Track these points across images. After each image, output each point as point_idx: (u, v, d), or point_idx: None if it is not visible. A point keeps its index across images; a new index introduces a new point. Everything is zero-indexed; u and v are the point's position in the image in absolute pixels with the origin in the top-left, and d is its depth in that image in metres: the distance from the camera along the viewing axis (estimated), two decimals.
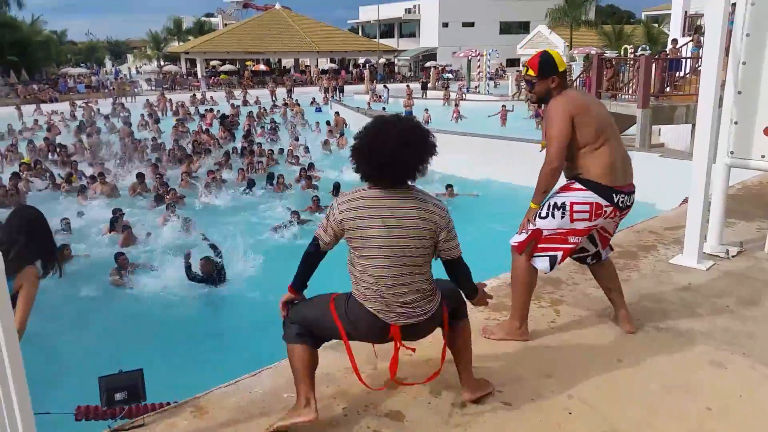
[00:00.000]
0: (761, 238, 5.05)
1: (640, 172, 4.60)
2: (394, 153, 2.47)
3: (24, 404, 1.82)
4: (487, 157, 14.87)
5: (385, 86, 35.06)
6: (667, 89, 14.30)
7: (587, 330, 3.60)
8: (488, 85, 35.81)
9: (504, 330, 3.43)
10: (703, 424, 2.72)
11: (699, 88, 4.62)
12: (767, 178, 7.35)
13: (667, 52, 16.33)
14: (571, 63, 32.49)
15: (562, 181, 3.33)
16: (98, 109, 27.78)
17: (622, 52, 33.00)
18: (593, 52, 31.92)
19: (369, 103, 28.65)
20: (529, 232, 3.26)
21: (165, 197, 11.81)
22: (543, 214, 3.23)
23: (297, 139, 18.85)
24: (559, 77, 3.23)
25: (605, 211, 3.19)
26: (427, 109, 24.31)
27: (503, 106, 22.59)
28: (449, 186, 12.88)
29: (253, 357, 3.51)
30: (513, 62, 48.13)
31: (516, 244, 3.33)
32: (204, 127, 21.77)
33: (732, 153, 4.70)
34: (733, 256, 4.77)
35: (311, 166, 15.65)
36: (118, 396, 2.85)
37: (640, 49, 31.95)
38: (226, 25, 58.17)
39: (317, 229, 2.72)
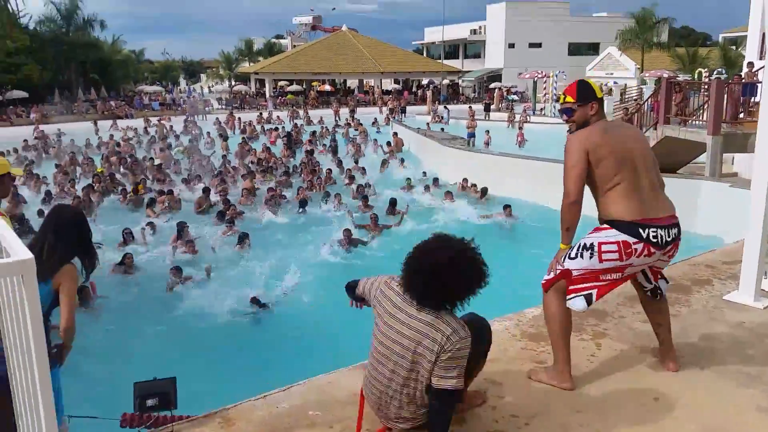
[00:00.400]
0: None
1: (709, 203, 4.45)
2: (428, 287, 2.51)
3: (48, 408, 1.91)
4: (549, 182, 14.60)
5: (445, 107, 35.09)
6: (741, 115, 13.64)
7: (627, 365, 3.47)
8: (554, 107, 35.20)
9: (548, 374, 3.31)
10: None
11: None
12: None
13: (742, 76, 15.62)
14: (642, 86, 31.66)
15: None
16: (171, 126, 29.10)
17: (695, 76, 31.88)
18: (665, 75, 30.89)
19: (428, 124, 28.74)
20: (558, 272, 3.19)
21: (225, 213, 12.20)
22: (572, 255, 3.14)
23: (356, 162, 19.14)
24: (598, 104, 3.20)
25: (635, 249, 3.03)
26: (488, 131, 24.15)
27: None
28: (507, 206, 12.70)
29: (289, 373, 3.57)
30: None
31: (544, 282, 3.27)
32: (267, 145, 22.43)
33: None
34: None
35: (368, 185, 15.83)
36: (149, 402, 2.97)
37: (715, 72, 30.77)
38: (294, 46, 59.92)
39: (364, 278, 2.87)
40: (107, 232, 11.36)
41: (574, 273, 3.13)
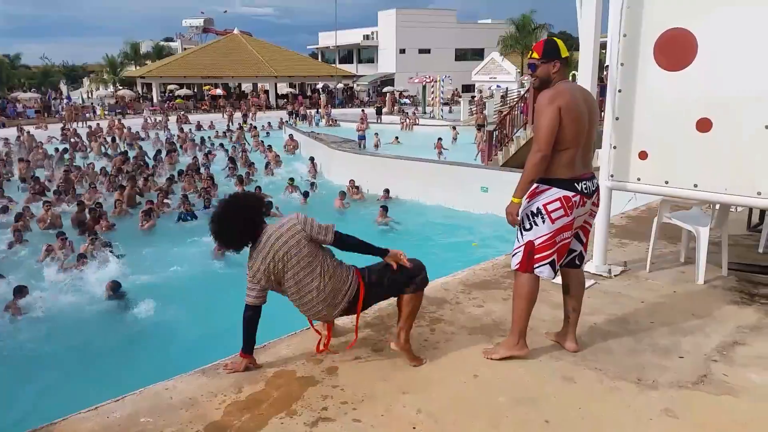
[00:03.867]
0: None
1: None
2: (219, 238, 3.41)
3: None
4: (434, 182, 15.12)
5: (317, 111, 35.69)
6: (602, 114, 14.76)
7: (454, 347, 3.71)
8: (442, 110, 36.44)
9: (504, 347, 3.52)
10: None
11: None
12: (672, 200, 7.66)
13: (602, 79, 16.93)
14: (520, 90, 33.44)
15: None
16: (49, 136, 27.30)
17: (570, 78, 34.03)
18: None
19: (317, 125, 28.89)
20: (522, 249, 3.37)
21: (88, 225, 11.71)
22: (527, 227, 3.36)
23: (251, 164, 18.79)
24: (561, 63, 3.35)
25: (575, 202, 3.31)
26: (377, 134, 24.67)
27: (439, 138, 22.75)
28: (382, 207, 13.30)
29: (143, 380, 3.50)
30: (468, 88, 49.10)
31: (518, 266, 3.42)
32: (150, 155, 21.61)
33: (612, 176, 4.93)
34: (615, 276, 4.99)
35: (257, 189, 15.66)
36: None
37: None
38: (185, 49, 57.94)
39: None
40: None
41: (537, 242, 3.33)
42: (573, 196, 3.32)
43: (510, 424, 2.93)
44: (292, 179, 16.22)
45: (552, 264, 3.37)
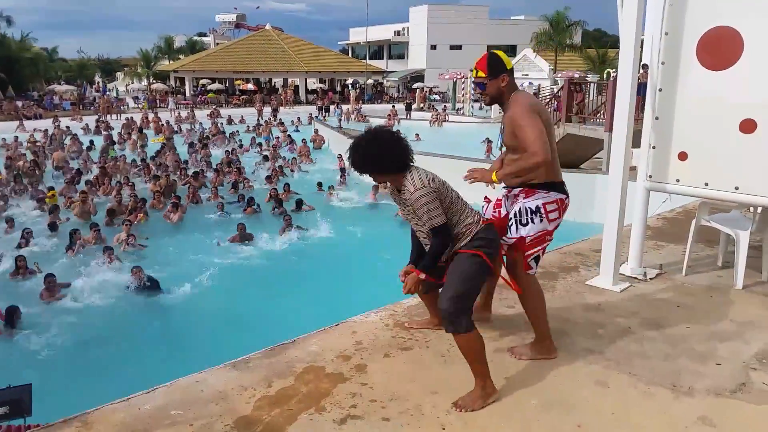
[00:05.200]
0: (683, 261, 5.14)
1: (600, 196, 4.80)
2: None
3: None
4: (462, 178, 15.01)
5: (338, 106, 35.73)
6: (640, 113, 14.51)
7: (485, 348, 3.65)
8: (472, 107, 36.20)
9: (535, 350, 3.51)
10: None
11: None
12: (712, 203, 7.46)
13: (638, 77, 16.60)
14: (553, 87, 33.02)
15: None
16: (84, 127, 27.87)
17: (604, 76, 33.53)
18: (576, 75, 32.40)
19: (340, 123, 29.04)
20: (513, 241, 3.39)
21: (122, 212, 12.00)
22: (523, 222, 3.38)
23: (281, 162, 18.98)
24: (508, 75, 3.30)
25: (566, 205, 3.42)
26: (398, 131, 24.75)
27: (489, 140, 22.24)
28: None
29: (173, 372, 3.53)
30: None
31: (522, 268, 3.41)
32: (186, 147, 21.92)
33: (650, 177, 4.82)
34: (651, 279, 4.87)
35: (286, 186, 15.77)
36: None
37: None
38: (217, 44, 58.63)
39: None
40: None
41: (528, 239, 3.37)
42: (566, 199, 3.42)
43: (541, 428, 2.88)
44: (320, 183, 16.32)
45: (536, 259, 3.42)
